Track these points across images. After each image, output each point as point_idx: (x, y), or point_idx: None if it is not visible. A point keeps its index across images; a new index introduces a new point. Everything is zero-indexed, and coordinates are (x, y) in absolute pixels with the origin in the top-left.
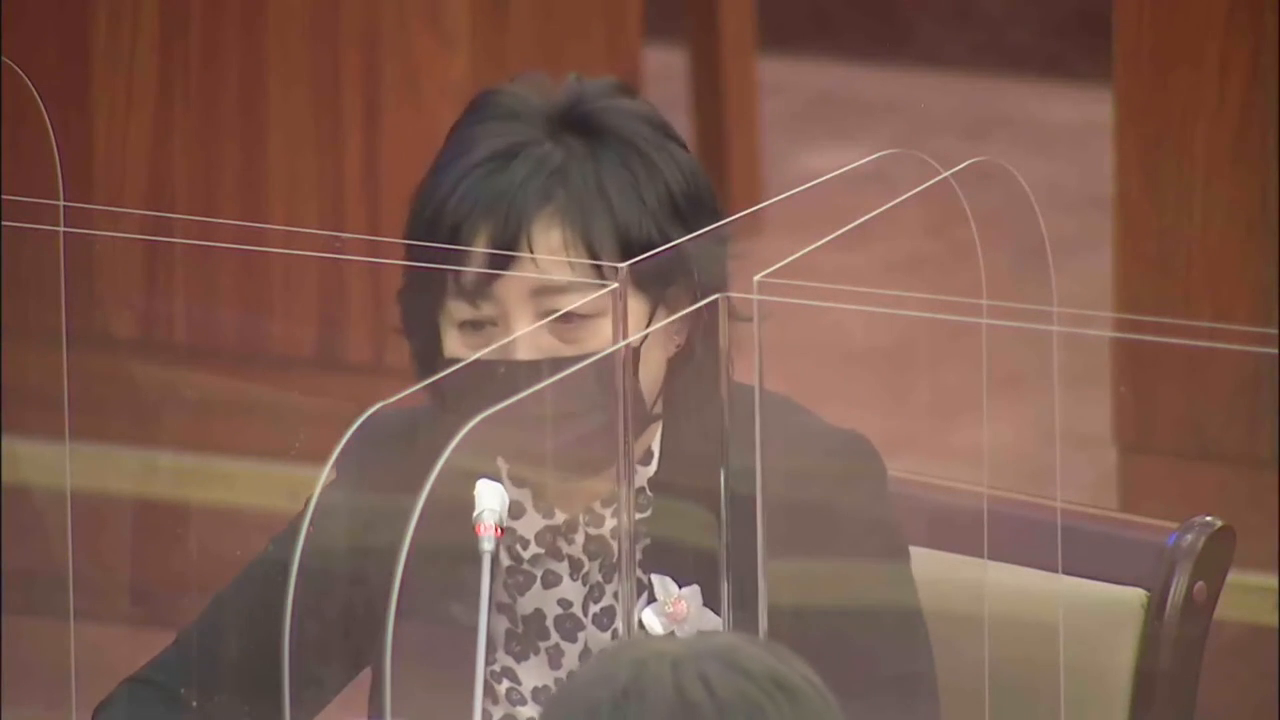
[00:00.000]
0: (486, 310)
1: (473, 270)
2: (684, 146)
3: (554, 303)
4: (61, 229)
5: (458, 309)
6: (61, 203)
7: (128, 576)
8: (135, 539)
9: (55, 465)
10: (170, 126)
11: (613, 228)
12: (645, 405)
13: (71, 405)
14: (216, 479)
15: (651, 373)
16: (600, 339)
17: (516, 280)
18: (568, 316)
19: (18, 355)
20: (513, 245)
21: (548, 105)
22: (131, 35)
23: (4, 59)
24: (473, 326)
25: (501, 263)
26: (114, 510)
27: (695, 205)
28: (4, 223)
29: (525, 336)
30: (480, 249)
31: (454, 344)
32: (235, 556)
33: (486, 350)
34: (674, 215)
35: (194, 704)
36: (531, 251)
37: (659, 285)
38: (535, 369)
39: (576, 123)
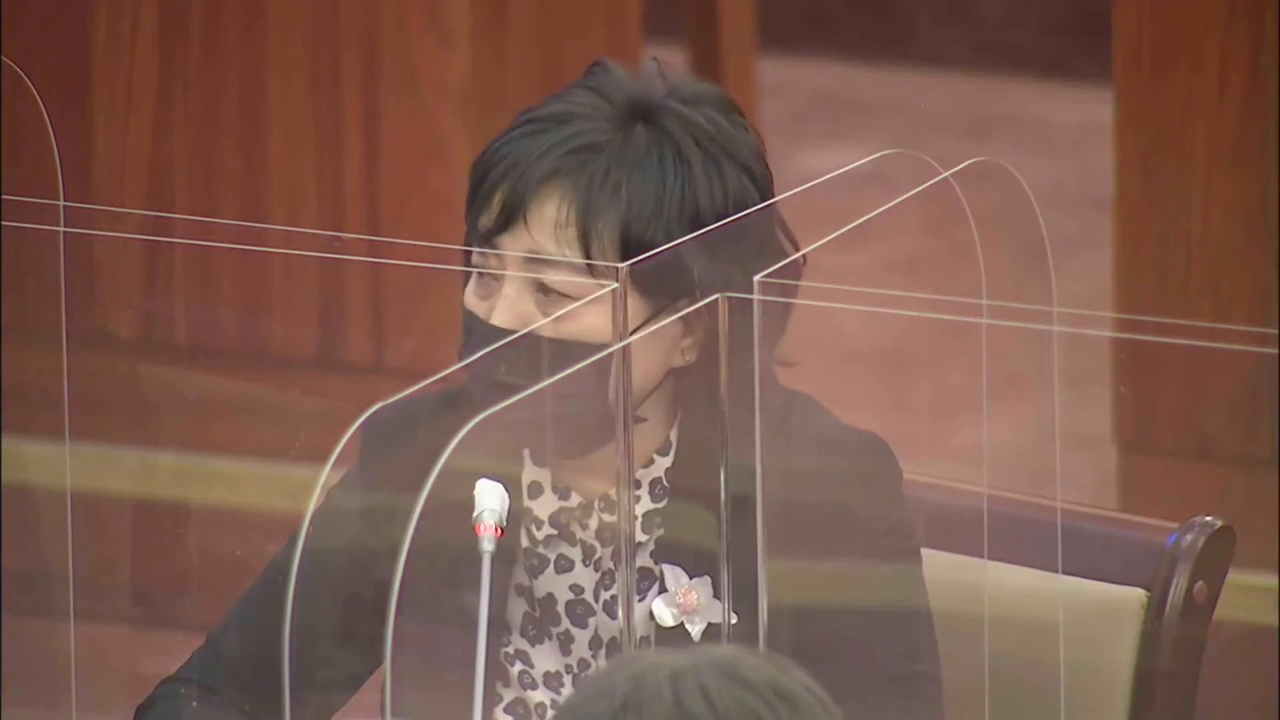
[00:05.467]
0: (492, 263)
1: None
2: (748, 173)
3: (541, 273)
4: (61, 229)
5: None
6: (61, 203)
7: (128, 576)
8: (135, 539)
9: (55, 465)
10: (170, 126)
11: (618, 221)
12: (608, 408)
13: (71, 405)
14: (217, 479)
15: (640, 375)
16: (582, 324)
17: (514, 241)
18: (549, 290)
19: (18, 355)
20: (516, 209)
21: (634, 89)
22: (131, 35)
23: (4, 59)
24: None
25: (502, 225)
26: (114, 510)
27: (721, 219)
28: (4, 223)
29: (504, 302)
30: (494, 208)
31: (469, 292)
32: (235, 556)
33: (499, 344)
34: (692, 229)
35: (244, 706)
36: (526, 216)
37: (660, 292)
38: (552, 346)
39: (642, 112)
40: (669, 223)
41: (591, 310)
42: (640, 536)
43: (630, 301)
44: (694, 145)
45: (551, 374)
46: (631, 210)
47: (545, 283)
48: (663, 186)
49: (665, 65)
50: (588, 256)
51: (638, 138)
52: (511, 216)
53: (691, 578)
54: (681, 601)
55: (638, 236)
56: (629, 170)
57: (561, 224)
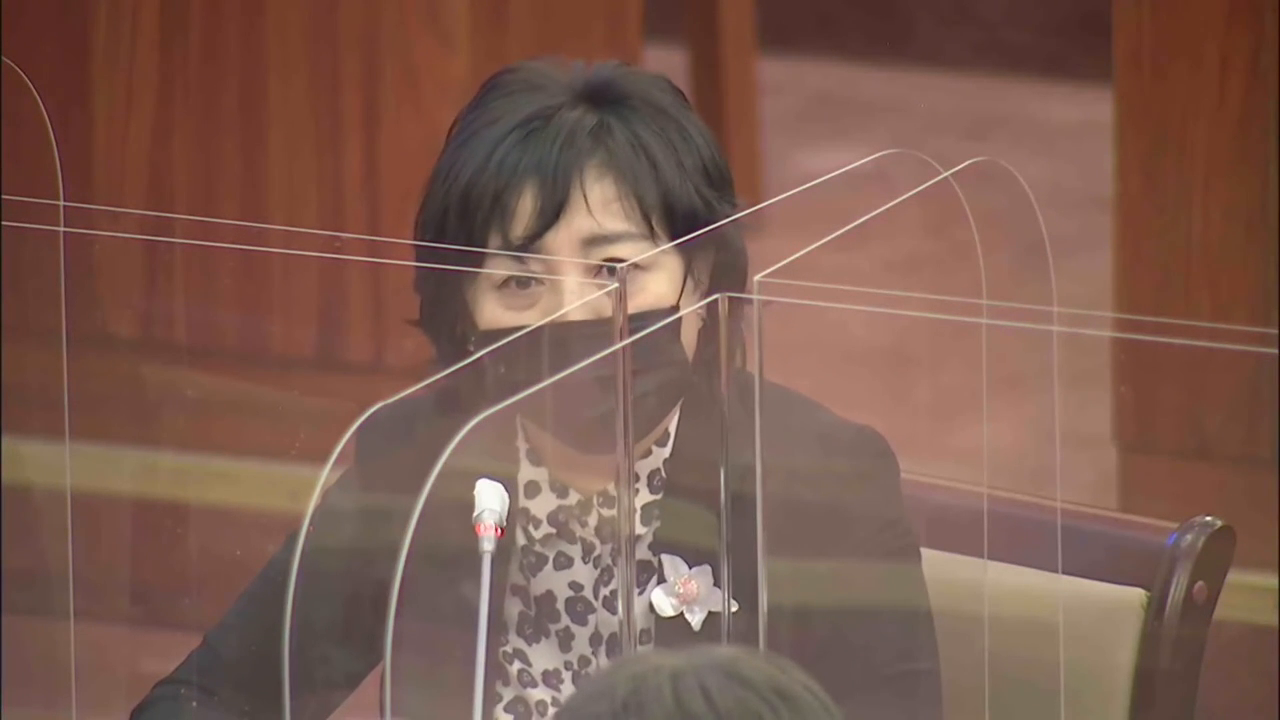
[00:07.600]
0: (534, 267)
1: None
2: (692, 109)
3: (605, 254)
4: (61, 229)
5: (501, 268)
6: (61, 203)
7: (128, 576)
8: (135, 539)
9: (55, 465)
10: (170, 126)
11: (657, 187)
12: (689, 369)
13: (71, 405)
14: (217, 479)
15: (691, 334)
16: (650, 293)
17: (566, 233)
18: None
19: (18, 355)
20: (564, 200)
21: (568, 77)
22: (131, 35)
23: (4, 59)
24: (518, 284)
25: (549, 220)
26: (114, 510)
27: (719, 170)
28: (4, 223)
29: (577, 297)
30: (528, 210)
31: (493, 309)
32: (235, 556)
33: (537, 324)
34: (706, 179)
35: (244, 708)
36: (585, 200)
37: (693, 249)
38: (596, 331)
39: (601, 90)
40: (691, 178)
41: (655, 279)
42: (639, 529)
43: (670, 264)
44: (668, 101)
45: (635, 352)
46: (664, 176)
47: (608, 262)
48: (673, 147)
49: (553, 57)
50: (648, 225)
51: (624, 111)
52: (559, 210)
53: (691, 567)
54: (681, 591)
55: (677, 198)
56: (644, 141)
57: (624, 198)
